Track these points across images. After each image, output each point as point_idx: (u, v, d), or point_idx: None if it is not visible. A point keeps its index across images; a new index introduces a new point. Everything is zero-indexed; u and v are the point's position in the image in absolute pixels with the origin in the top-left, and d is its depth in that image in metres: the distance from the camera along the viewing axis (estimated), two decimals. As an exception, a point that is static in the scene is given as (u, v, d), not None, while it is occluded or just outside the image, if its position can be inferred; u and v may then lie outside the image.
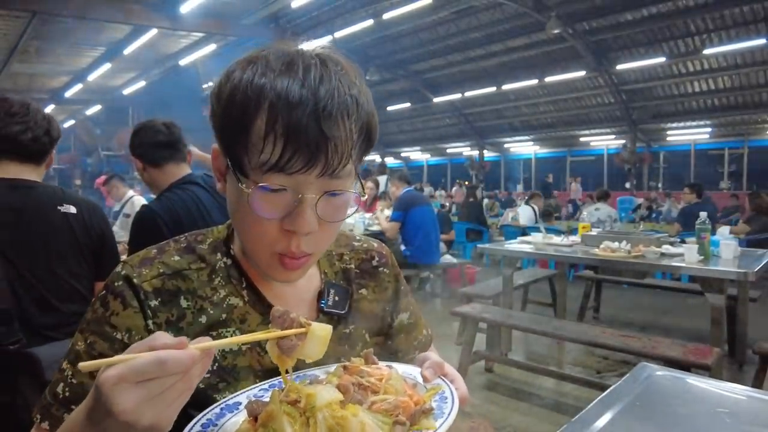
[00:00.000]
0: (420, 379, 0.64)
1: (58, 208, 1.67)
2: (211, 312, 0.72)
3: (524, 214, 8.76)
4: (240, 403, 0.63)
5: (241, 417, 0.60)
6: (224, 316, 0.73)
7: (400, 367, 0.66)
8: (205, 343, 0.51)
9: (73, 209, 1.70)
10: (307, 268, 0.73)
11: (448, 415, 0.55)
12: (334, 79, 0.63)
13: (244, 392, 0.66)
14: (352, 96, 0.64)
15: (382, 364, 0.66)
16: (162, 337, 0.49)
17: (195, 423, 0.59)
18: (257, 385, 0.68)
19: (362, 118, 0.66)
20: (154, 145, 2.06)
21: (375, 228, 5.71)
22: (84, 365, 0.47)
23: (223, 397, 0.68)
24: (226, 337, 0.71)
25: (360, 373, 0.62)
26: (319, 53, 0.67)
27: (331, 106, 0.62)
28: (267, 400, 0.58)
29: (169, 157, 2.08)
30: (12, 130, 1.60)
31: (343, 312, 0.81)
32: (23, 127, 1.62)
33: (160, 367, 0.47)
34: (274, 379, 0.69)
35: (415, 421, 0.55)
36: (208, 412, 0.61)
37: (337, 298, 0.81)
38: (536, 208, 8.79)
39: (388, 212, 5.80)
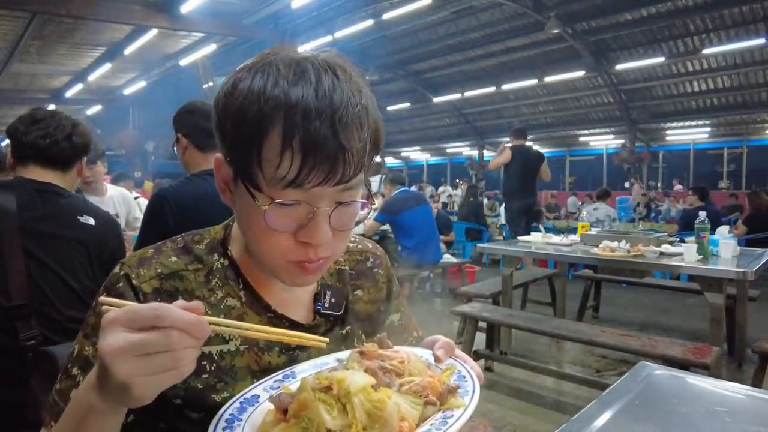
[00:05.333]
0: (431, 360, 0.65)
1: (78, 217, 1.73)
2: (209, 313, 0.70)
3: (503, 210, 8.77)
4: (258, 396, 0.62)
5: (261, 409, 0.59)
6: (222, 317, 0.71)
7: (409, 350, 0.66)
8: (207, 319, 0.53)
9: (91, 221, 1.75)
10: (324, 269, 0.73)
11: (473, 392, 0.56)
12: (346, 88, 0.62)
13: (259, 384, 0.65)
14: (362, 105, 0.63)
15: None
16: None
17: (219, 419, 0.58)
18: (271, 376, 0.67)
19: (372, 126, 0.65)
20: (204, 131, 2.02)
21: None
22: (104, 300, 0.52)
23: (222, 398, 0.67)
24: (224, 338, 0.71)
25: (379, 357, 0.61)
26: (326, 59, 0.65)
27: (347, 116, 0.60)
28: (283, 391, 0.57)
29: (213, 146, 2.06)
30: (33, 135, 1.70)
31: (339, 313, 0.81)
32: (43, 132, 1.71)
33: (154, 314, 0.47)
34: (287, 369, 0.69)
35: (444, 400, 0.56)
36: (228, 407, 0.60)
37: (333, 300, 0.81)
38: None
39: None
